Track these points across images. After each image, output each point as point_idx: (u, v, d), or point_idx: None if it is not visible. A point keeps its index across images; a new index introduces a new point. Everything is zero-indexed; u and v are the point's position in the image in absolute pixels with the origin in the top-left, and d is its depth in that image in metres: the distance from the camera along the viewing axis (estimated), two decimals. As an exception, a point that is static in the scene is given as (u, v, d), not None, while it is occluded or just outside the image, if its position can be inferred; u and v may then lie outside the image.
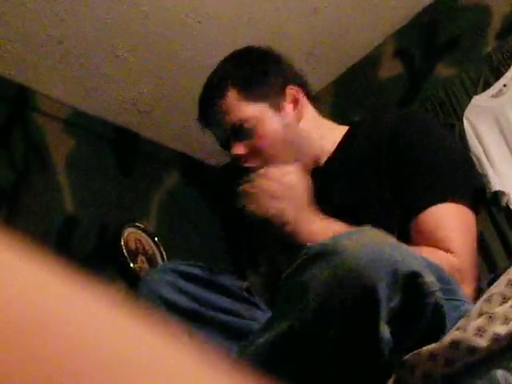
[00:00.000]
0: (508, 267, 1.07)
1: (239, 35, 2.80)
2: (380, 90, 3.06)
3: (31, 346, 0.20)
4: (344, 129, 1.51)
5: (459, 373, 0.95)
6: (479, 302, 1.02)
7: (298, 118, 1.48)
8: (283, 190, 1.31)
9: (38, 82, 2.78)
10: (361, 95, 3.11)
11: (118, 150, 3.10)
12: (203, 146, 3.32)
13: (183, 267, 1.34)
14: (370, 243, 0.96)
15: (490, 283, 1.08)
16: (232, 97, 1.45)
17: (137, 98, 3.00)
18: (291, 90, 1.49)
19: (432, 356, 0.96)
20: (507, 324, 0.93)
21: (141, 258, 2.88)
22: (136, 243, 2.90)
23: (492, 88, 2.59)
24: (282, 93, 1.48)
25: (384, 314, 0.93)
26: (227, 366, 0.24)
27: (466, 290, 1.22)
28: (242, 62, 1.52)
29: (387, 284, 0.93)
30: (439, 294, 1.00)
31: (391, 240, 1.01)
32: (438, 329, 1.03)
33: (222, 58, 1.58)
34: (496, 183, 2.43)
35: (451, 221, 1.28)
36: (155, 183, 3.20)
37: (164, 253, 2.95)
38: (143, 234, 2.96)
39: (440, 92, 2.78)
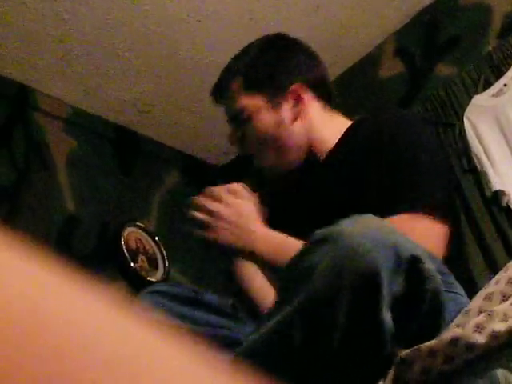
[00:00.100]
0: None
1: (240, 34, 2.80)
2: (380, 89, 3.06)
3: (31, 346, 0.20)
4: (346, 125, 1.51)
5: (458, 370, 0.95)
6: (479, 300, 1.03)
7: (295, 117, 1.48)
8: (231, 217, 1.33)
9: (38, 81, 2.78)
10: (361, 94, 3.11)
11: (119, 149, 3.10)
12: (204, 145, 3.32)
13: (170, 289, 1.38)
14: (372, 228, 0.98)
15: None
16: (235, 86, 1.50)
17: (137, 97, 3.00)
18: (295, 87, 1.49)
19: (432, 352, 0.96)
20: (506, 321, 0.93)
21: (141, 257, 2.88)
22: (136, 242, 2.90)
23: (492, 87, 2.59)
24: (284, 89, 1.49)
25: (386, 297, 0.94)
26: (227, 366, 0.24)
27: None
28: (255, 54, 1.55)
29: (390, 268, 0.94)
30: (438, 281, 1.01)
31: (392, 226, 1.03)
32: (436, 316, 1.03)
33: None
34: (496, 183, 2.43)
35: (414, 232, 1.26)
36: (156, 182, 3.20)
37: (164, 252, 2.95)
38: (144, 234, 2.96)
39: (440, 91, 2.78)
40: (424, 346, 0.97)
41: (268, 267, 1.34)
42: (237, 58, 1.57)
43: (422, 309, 1.00)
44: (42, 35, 2.60)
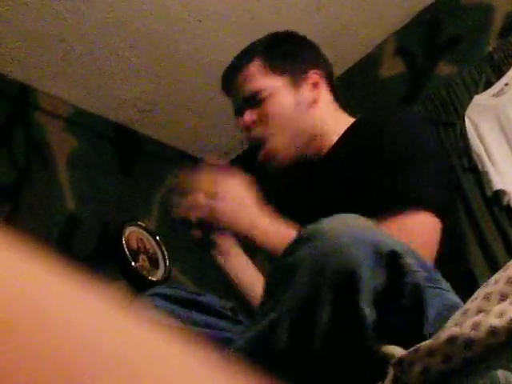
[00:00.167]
0: None
1: (240, 34, 2.80)
2: (381, 89, 3.06)
3: (31, 345, 0.20)
4: (350, 121, 1.52)
5: (457, 370, 0.95)
6: (478, 300, 1.03)
7: (313, 102, 1.49)
8: (226, 207, 1.33)
9: (39, 80, 2.78)
10: (362, 94, 3.11)
11: (120, 149, 3.10)
12: (205, 144, 3.32)
13: (169, 291, 1.38)
14: (352, 226, 1.00)
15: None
16: (255, 66, 1.50)
17: (138, 97, 3.00)
18: (313, 74, 1.52)
19: (430, 352, 0.96)
20: (502, 316, 0.93)
21: (142, 256, 2.89)
22: (137, 242, 2.90)
23: (493, 87, 2.59)
24: (303, 74, 1.51)
25: (366, 293, 0.95)
26: (228, 366, 0.24)
27: None
28: (274, 38, 1.57)
29: (369, 264, 0.96)
30: (419, 275, 1.02)
31: (372, 223, 1.05)
32: (418, 312, 1.04)
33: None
34: (497, 182, 2.43)
35: (413, 231, 1.26)
36: (156, 182, 3.20)
37: (165, 252, 2.95)
38: (144, 233, 2.96)
39: (441, 91, 2.78)
40: (423, 345, 0.97)
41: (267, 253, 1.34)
42: (250, 45, 1.57)
43: (403, 303, 1.01)
44: (42, 34, 2.60)
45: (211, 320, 1.33)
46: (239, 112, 1.51)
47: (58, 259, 0.23)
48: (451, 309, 1.09)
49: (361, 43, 3.08)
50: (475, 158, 2.53)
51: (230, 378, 0.24)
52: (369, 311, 0.96)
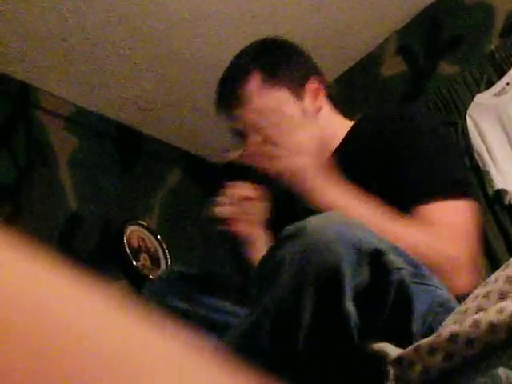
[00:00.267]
0: None
1: (241, 33, 2.80)
2: (383, 88, 3.06)
3: (32, 345, 0.20)
4: (350, 124, 1.52)
5: (458, 368, 0.95)
6: (478, 299, 1.03)
7: (317, 110, 1.48)
8: (299, 146, 1.30)
9: (40, 79, 2.78)
10: (364, 93, 3.11)
11: (121, 148, 3.10)
12: (206, 143, 3.32)
13: (179, 270, 1.36)
14: (334, 224, 1.01)
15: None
16: (255, 81, 1.45)
17: (139, 96, 3.00)
18: (312, 82, 1.50)
19: (431, 350, 0.96)
20: (501, 313, 0.93)
21: (143, 255, 2.89)
22: (138, 241, 2.90)
23: (495, 86, 2.59)
24: (302, 83, 1.48)
25: (348, 290, 0.96)
26: (229, 366, 0.24)
27: (461, 281, 1.22)
28: (266, 48, 1.52)
29: (351, 262, 0.96)
30: (404, 273, 1.02)
31: (356, 221, 1.05)
32: (404, 308, 1.04)
33: (247, 45, 1.57)
34: (499, 181, 2.43)
35: (449, 217, 1.27)
36: (158, 181, 3.20)
37: (166, 250, 2.95)
38: (146, 232, 2.96)
39: (443, 90, 2.78)
40: (423, 344, 0.97)
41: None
42: (242, 56, 1.52)
43: (388, 300, 1.01)
44: (43, 33, 2.60)
45: (224, 304, 1.31)
46: (242, 133, 1.46)
47: (60, 258, 0.23)
48: (443, 305, 1.09)
49: (362, 42, 3.08)
50: (477, 157, 2.53)
51: (230, 377, 0.24)
52: (352, 309, 0.97)
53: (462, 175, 1.35)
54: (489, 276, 1.11)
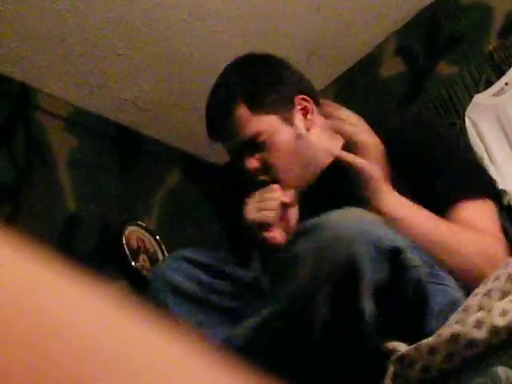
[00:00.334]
0: None
1: (241, 34, 2.80)
2: (382, 89, 3.06)
3: (32, 345, 0.20)
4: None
5: (459, 368, 0.95)
6: (479, 297, 1.03)
7: (308, 127, 1.47)
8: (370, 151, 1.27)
9: (39, 80, 2.78)
10: (363, 93, 3.11)
11: (120, 149, 3.10)
12: (205, 144, 3.31)
13: (193, 255, 1.32)
14: (355, 220, 1.01)
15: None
16: (242, 112, 1.43)
17: (138, 96, 3.00)
18: (300, 99, 1.48)
19: (432, 350, 0.96)
20: (505, 315, 0.93)
21: (142, 256, 2.88)
22: (138, 242, 2.90)
23: (494, 86, 2.59)
24: (291, 102, 1.47)
25: (366, 287, 0.96)
26: (230, 366, 0.24)
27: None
28: (247, 74, 1.49)
29: (370, 258, 0.97)
30: (422, 271, 1.03)
31: (376, 218, 1.05)
32: (420, 307, 1.05)
33: (223, 69, 1.54)
34: (498, 182, 2.43)
35: (480, 216, 1.29)
36: (157, 182, 3.20)
37: (165, 251, 2.95)
38: (145, 233, 2.96)
39: (442, 90, 2.78)
40: (424, 343, 0.97)
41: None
42: (226, 84, 1.49)
43: (405, 299, 1.01)
44: (43, 34, 2.60)
45: (236, 291, 1.29)
46: (237, 160, 1.46)
47: (59, 259, 0.23)
48: (455, 304, 1.10)
49: (361, 43, 3.08)
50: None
51: (231, 377, 0.24)
52: (369, 306, 0.97)
53: (488, 175, 1.38)
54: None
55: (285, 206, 1.36)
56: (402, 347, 0.99)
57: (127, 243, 2.84)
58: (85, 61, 2.75)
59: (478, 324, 0.95)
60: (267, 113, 1.43)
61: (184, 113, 3.13)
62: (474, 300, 1.03)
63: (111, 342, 0.22)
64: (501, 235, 1.29)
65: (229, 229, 3.30)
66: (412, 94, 2.94)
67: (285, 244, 1.07)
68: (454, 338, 0.95)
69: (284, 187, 1.39)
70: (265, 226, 1.33)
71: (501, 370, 0.93)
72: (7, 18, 2.50)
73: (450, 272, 1.17)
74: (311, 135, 1.47)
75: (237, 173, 1.49)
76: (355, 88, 3.14)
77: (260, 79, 1.47)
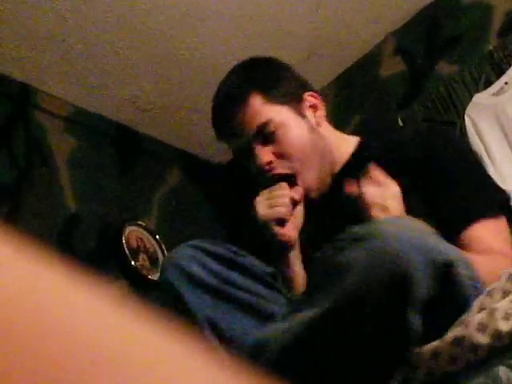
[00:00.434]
0: None
1: (241, 33, 2.80)
2: (381, 88, 3.06)
3: (32, 344, 0.20)
4: (354, 139, 1.51)
5: (462, 370, 0.95)
6: (480, 297, 1.03)
7: (318, 124, 1.46)
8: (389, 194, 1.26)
9: (39, 79, 2.78)
10: (362, 93, 3.11)
11: (120, 148, 3.10)
12: (205, 143, 3.32)
13: (209, 245, 1.29)
14: (409, 230, 0.98)
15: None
16: (255, 100, 1.41)
17: (138, 96, 3.00)
18: (309, 97, 1.48)
19: (434, 354, 0.96)
20: (508, 319, 0.93)
21: (142, 256, 2.88)
22: (137, 241, 2.90)
23: (493, 86, 2.59)
24: (301, 97, 1.46)
25: (417, 300, 0.94)
26: (230, 366, 0.24)
27: None
28: (257, 67, 1.49)
29: (422, 271, 0.94)
30: (470, 288, 1.01)
31: (430, 229, 1.03)
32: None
33: (234, 66, 1.53)
34: (497, 181, 2.43)
35: (494, 236, 1.28)
36: (157, 181, 3.20)
37: (165, 251, 2.95)
38: (145, 232, 2.96)
39: (441, 90, 2.78)
40: (426, 348, 0.97)
41: None
42: (235, 79, 1.47)
43: (451, 314, 1.00)
44: (42, 34, 2.60)
45: (252, 284, 1.26)
46: (247, 154, 1.43)
47: (58, 258, 0.23)
48: None
49: (361, 42, 3.08)
50: (475, 157, 2.53)
51: (231, 377, 0.24)
52: (416, 319, 0.95)
53: (499, 192, 1.37)
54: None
55: (293, 204, 1.35)
56: None
57: (127, 243, 2.84)
58: (85, 61, 2.75)
59: (482, 327, 0.94)
60: (280, 103, 1.42)
61: (184, 112, 3.13)
62: (475, 300, 1.03)
63: (111, 341, 0.22)
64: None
65: (229, 228, 3.30)
66: (411, 94, 2.93)
67: (332, 248, 1.04)
68: (458, 341, 0.95)
69: (304, 182, 1.38)
70: (278, 221, 1.33)
71: (502, 371, 0.93)
72: (7, 18, 2.50)
73: None
74: (323, 131, 1.46)
75: (243, 171, 1.47)
76: (355, 87, 3.14)
77: (272, 72, 1.47)
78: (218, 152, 3.35)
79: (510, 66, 2.59)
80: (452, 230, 1.26)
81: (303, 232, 1.38)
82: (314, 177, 1.40)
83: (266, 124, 1.39)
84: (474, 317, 0.97)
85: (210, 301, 1.21)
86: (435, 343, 0.97)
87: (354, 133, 1.61)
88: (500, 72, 2.61)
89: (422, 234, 0.99)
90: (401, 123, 2.83)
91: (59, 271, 0.23)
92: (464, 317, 0.99)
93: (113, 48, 2.75)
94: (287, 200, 1.33)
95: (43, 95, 2.83)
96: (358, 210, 1.23)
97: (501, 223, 1.31)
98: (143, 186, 3.11)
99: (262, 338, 1.09)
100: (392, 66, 3.05)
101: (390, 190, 1.24)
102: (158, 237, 2.97)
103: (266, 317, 1.20)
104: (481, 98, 2.59)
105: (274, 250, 1.36)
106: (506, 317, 0.94)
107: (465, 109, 2.63)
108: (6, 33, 2.56)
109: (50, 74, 2.77)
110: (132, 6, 2.61)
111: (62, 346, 0.20)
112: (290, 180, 1.38)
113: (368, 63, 3.13)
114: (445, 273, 0.97)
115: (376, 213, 1.21)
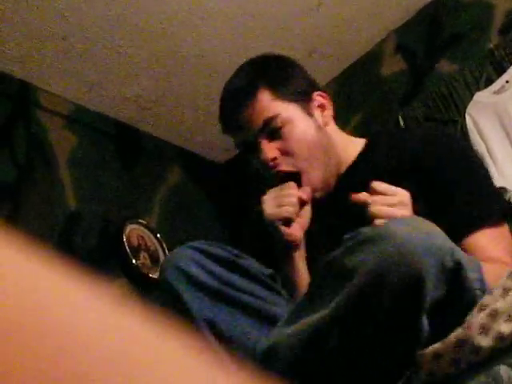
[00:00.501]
0: None
1: (242, 32, 2.80)
2: (382, 87, 3.05)
3: (32, 344, 0.20)
4: (361, 141, 1.50)
5: (463, 371, 0.95)
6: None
7: (326, 124, 1.46)
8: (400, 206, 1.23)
9: (40, 77, 2.78)
10: (363, 92, 3.11)
11: (121, 146, 3.10)
12: (206, 142, 3.32)
13: (208, 247, 1.29)
14: (421, 232, 0.97)
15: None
16: (264, 96, 1.40)
17: (139, 94, 3.00)
18: (318, 95, 1.47)
19: (436, 356, 0.96)
20: (511, 322, 0.93)
21: (143, 254, 2.88)
22: (138, 239, 2.90)
23: (494, 84, 2.59)
24: (309, 96, 1.46)
25: (427, 303, 0.94)
26: (231, 366, 0.24)
27: None
28: (267, 64, 1.48)
29: (434, 274, 0.94)
30: (478, 292, 1.01)
31: (441, 231, 1.02)
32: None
33: (242, 63, 1.52)
34: (498, 180, 2.43)
35: (497, 244, 1.28)
36: (158, 179, 3.20)
37: (166, 249, 2.95)
38: (145, 231, 2.96)
39: (442, 88, 2.77)
40: (429, 349, 0.97)
41: None
42: (244, 74, 1.46)
43: (459, 317, 0.99)
44: (43, 32, 2.60)
45: (249, 285, 1.26)
46: (252, 149, 1.42)
47: (59, 256, 0.23)
48: None
49: (361, 41, 3.08)
50: (476, 155, 2.53)
51: (231, 377, 0.24)
52: (425, 322, 0.95)
53: (501, 198, 1.37)
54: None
55: (301, 204, 1.35)
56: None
57: (128, 241, 2.84)
58: (85, 59, 2.75)
59: (484, 330, 0.94)
60: (288, 100, 1.41)
61: (184, 110, 3.13)
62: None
63: (111, 341, 0.22)
64: None
65: (229, 227, 3.31)
66: (412, 92, 2.93)
67: (339, 250, 1.03)
68: (460, 343, 0.95)
69: (309, 181, 1.37)
70: (285, 221, 1.32)
71: (503, 370, 0.93)
72: (7, 17, 2.50)
73: None
74: (330, 131, 1.46)
75: (247, 167, 1.47)
76: (355, 86, 3.14)
77: (282, 69, 1.47)
78: (220, 151, 3.35)
79: (511, 65, 2.58)
80: (453, 237, 1.26)
81: (307, 232, 1.37)
82: (318, 176, 1.39)
83: (273, 118, 1.38)
84: (476, 318, 0.97)
85: (208, 302, 1.21)
86: (437, 345, 0.97)
87: (355, 132, 1.61)
88: (501, 70, 2.61)
89: (434, 235, 0.98)
90: (401, 122, 2.83)
91: (59, 270, 0.23)
92: (466, 317, 0.99)
93: (113, 46, 2.75)
94: (295, 200, 1.33)
95: (43, 93, 2.83)
96: (365, 217, 1.22)
97: (502, 231, 1.30)
98: (144, 184, 3.11)
99: (270, 344, 1.08)
100: (393, 65, 3.05)
101: (398, 198, 1.23)
102: (158, 235, 2.97)
103: (265, 317, 1.20)
104: (482, 97, 2.59)
105: (279, 250, 1.36)
106: (509, 319, 0.94)
107: (466, 107, 2.62)
108: (6, 31, 2.55)
109: (51, 72, 2.77)
110: (132, 5, 2.60)
111: (63, 346, 0.20)
112: (295, 178, 1.37)
113: (369, 61, 3.13)
114: (455, 276, 0.97)
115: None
